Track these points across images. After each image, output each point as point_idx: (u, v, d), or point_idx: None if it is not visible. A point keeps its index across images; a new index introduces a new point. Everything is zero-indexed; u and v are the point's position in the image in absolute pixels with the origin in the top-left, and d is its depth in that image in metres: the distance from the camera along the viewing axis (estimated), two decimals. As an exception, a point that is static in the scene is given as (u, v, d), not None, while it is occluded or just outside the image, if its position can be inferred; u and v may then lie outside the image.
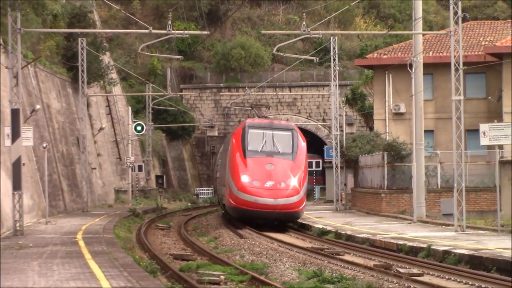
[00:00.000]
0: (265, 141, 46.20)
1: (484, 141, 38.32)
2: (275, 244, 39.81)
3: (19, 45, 39.64)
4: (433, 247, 31.51)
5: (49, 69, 63.31)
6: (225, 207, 56.75)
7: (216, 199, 79.32)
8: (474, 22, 73.66)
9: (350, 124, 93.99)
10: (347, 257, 32.80)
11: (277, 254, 34.24)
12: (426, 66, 52.52)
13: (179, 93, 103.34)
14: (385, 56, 66.85)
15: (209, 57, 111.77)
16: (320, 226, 46.49)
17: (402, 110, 64.00)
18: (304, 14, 48.57)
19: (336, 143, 64.35)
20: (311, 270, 27.80)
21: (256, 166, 44.56)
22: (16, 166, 38.20)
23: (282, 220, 46.50)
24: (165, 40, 60.77)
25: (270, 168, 44.49)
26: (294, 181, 44.37)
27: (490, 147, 46.86)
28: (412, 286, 23.91)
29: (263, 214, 44.31)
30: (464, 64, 40.54)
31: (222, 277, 26.31)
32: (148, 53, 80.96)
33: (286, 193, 43.77)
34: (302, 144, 47.66)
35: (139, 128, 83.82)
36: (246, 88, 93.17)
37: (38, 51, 58.48)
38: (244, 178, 44.00)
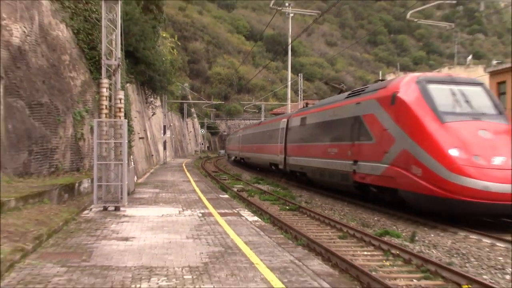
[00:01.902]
0: (457, 99, 6.43)
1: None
2: (243, 169, 36.01)
3: (165, 105, 38.31)
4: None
5: (174, 112, 61.34)
6: (277, 167, 19.86)
7: (225, 154, 75.54)
8: (308, 100, 71.51)
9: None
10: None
11: (243, 171, 31.15)
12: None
13: (215, 120, 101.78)
14: (279, 111, 63.06)
15: (224, 109, 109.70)
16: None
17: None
18: (253, 99, 46.84)
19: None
20: (256, 176, 25.23)
21: (466, 135, 5.78)
22: (165, 143, 36.62)
23: None
24: (211, 104, 59.19)
25: (488, 136, 5.85)
26: None
27: None
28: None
29: (497, 208, 5.18)
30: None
31: (227, 178, 24.66)
32: (206, 108, 79.62)
33: None
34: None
35: (202, 131, 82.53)
36: (235, 119, 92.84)
37: (171, 107, 56.93)
38: (454, 152, 5.52)
